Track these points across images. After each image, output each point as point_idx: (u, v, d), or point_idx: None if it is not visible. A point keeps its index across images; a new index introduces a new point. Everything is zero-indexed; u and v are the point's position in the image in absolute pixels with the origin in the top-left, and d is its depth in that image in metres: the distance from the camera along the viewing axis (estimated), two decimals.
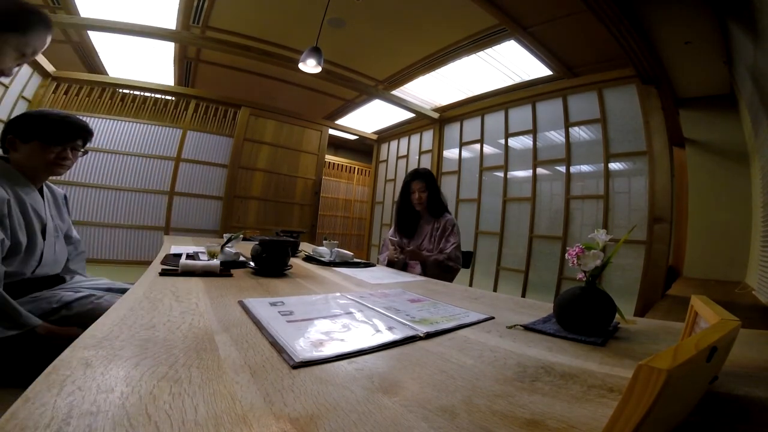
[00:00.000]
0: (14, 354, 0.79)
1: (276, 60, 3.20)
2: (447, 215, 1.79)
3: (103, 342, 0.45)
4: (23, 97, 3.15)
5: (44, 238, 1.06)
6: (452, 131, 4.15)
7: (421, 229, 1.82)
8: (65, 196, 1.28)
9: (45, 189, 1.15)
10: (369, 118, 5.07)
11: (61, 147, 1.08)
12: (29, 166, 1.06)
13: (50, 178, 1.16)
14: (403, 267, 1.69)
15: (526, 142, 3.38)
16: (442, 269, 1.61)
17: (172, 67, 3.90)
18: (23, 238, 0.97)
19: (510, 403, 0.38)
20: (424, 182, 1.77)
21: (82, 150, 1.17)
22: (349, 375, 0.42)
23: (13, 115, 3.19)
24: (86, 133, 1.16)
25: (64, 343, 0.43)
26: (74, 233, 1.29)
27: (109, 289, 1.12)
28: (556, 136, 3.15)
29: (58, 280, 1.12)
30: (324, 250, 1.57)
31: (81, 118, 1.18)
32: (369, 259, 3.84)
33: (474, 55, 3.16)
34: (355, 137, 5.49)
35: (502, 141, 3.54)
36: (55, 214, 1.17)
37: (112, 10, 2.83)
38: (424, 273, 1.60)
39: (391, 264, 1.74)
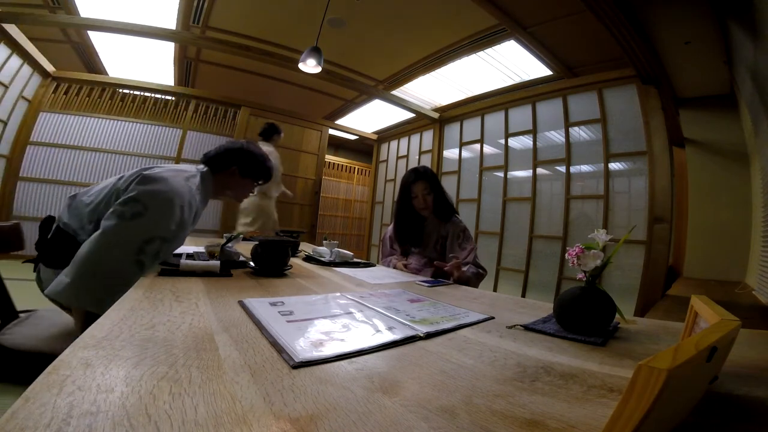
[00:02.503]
0: None
1: (276, 60, 3.20)
2: (455, 218, 1.59)
3: (103, 342, 0.45)
4: (23, 97, 3.16)
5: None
6: (452, 131, 4.15)
7: (428, 237, 1.60)
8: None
9: None
10: (369, 118, 5.07)
11: (258, 185, 1.33)
12: (232, 193, 1.29)
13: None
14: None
15: (526, 142, 3.38)
16: (479, 279, 1.45)
17: (172, 67, 3.90)
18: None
19: (510, 403, 0.38)
20: (427, 183, 1.54)
21: None
22: (349, 375, 0.42)
23: (14, 115, 3.21)
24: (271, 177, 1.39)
25: None
26: None
27: None
28: (556, 136, 3.15)
29: None
30: (324, 250, 1.56)
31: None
32: (369, 259, 3.84)
33: (474, 55, 3.17)
34: (355, 137, 5.50)
35: (502, 141, 3.54)
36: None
37: (112, 10, 2.84)
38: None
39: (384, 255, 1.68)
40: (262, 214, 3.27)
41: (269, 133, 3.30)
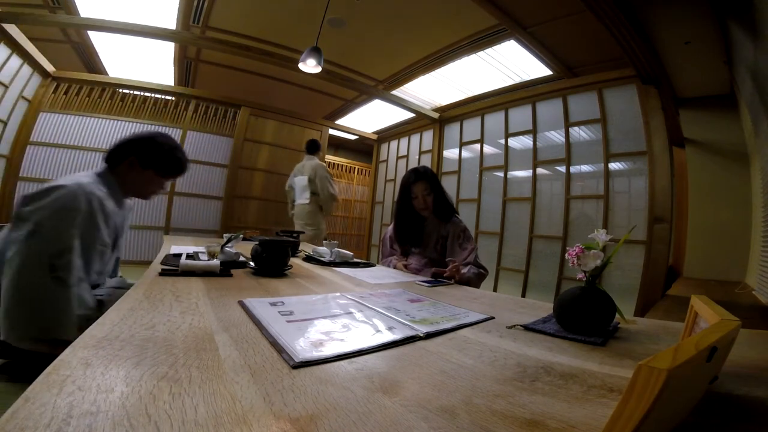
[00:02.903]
0: None
1: (276, 60, 3.20)
2: (455, 219, 1.59)
3: (103, 342, 0.45)
4: (23, 97, 3.16)
5: (115, 250, 1.13)
6: (452, 131, 4.15)
7: (428, 237, 1.60)
8: (131, 208, 1.32)
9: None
10: (369, 118, 5.07)
11: (168, 182, 1.20)
12: (136, 189, 1.15)
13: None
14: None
15: (526, 142, 3.38)
16: (481, 279, 1.45)
17: (172, 67, 3.90)
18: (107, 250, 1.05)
19: (510, 403, 0.38)
20: (427, 183, 1.54)
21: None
22: (349, 375, 0.42)
23: (14, 115, 3.21)
24: (186, 170, 1.25)
25: None
26: None
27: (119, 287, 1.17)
28: (556, 136, 3.15)
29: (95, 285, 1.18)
30: (324, 250, 1.57)
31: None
32: (369, 259, 3.84)
33: (474, 55, 3.17)
34: (355, 137, 5.49)
35: (502, 141, 3.54)
36: (123, 228, 1.23)
37: (112, 10, 2.83)
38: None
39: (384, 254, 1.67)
40: (313, 221, 3.39)
41: (314, 148, 3.46)
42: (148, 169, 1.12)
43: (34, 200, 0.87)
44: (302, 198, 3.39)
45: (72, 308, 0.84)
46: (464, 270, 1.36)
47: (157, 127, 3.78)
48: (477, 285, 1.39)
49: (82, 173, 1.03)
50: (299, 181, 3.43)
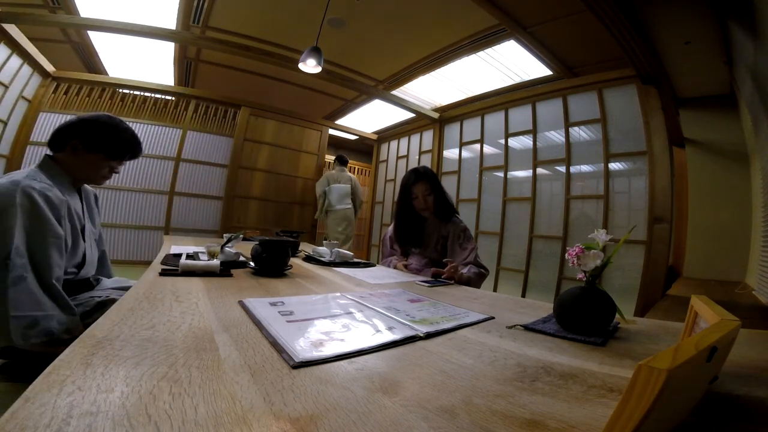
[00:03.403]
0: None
1: (276, 60, 3.20)
2: (455, 219, 1.59)
3: (103, 342, 0.45)
4: (23, 97, 3.15)
5: (84, 240, 1.07)
6: (452, 131, 4.15)
7: (429, 237, 1.60)
8: (96, 195, 1.27)
9: (82, 190, 1.16)
10: (369, 118, 5.07)
11: (118, 163, 1.11)
12: (83, 173, 1.07)
13: None
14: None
15: (526, 142, 3.38)
16: (481, 279, 1.45)
17: (172, 67, 3.90)
18: (69, 240, 0.98)
19: (510, 403, 0.38)
20: (428, 184, 1.54)
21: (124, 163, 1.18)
22: (349, 375, 0.42)
23: (14, 115, 3.21)
24: (139, 150, 1.17)
25: None
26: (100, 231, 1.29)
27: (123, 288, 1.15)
28: (556, 136, 3.15)
29: (88, 284, 1.13)
30: (324, 250, 1.57)
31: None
32: (369, 259, 3.84)
33: (474, 55, 3.17)
34: (355, 137, 5.49)
35: (502, 141, 3.53)
36: (89, 215, 1.18)
37: (112, 10, 2.84)
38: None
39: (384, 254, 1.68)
40: (351, 223, 4.08)
41: (346, 161, 4.22)
42: (95, 152, 1.04)
43: None
44: (343, 204, 4.03)
45: (6, 309, 0.78)
46: (464, 270, 1.36)
47: (157, 127, 3.78)
48: (477, 285, 1.39)
49: (19, 171, 0.97)
50: (339, 189, 4.04)
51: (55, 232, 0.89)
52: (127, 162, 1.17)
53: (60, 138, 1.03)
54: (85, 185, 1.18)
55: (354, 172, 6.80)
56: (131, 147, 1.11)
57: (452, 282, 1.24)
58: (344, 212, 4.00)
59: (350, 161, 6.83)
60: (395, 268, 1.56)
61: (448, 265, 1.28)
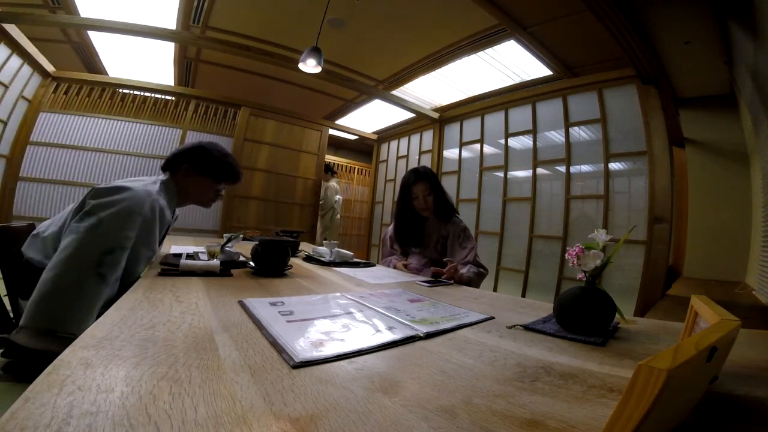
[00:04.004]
0: None
1: (276, 60, 3.20)
2: (455, 218, 1.60)
3: (103, 342, 0.45)
4: (23, 97, 3.15)
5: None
6: (452, 131, 4.15)
7: (429, 237, 1.61)
8: (176, 216, 1.34)
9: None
10: (369, 118, 5.07)
11: (223, 189, 1.25)
12: (194, 196, 1.20)
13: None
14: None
15: (526, 142, 3.38)
16: (481, 278, 1.45)
17: (172, 67, 3.90)
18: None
19: (510, 403, 0.38)
20: (428, 183, 1.55)
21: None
22: (349, 375, 0.42)
23: (14, 115, 3.20)
24: (240, 175, 1.32)
25: None
26: None
27: None
28: (556, 136, 3.15)
29: None
30: (324, 250, 1.57)
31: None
32: (369, 259, 3.84)
33: (474, 55, 3.16)
34: (355, 137, 5.49)
35: (502, 141, 3.53)
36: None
37: (112, 10, 2.84)
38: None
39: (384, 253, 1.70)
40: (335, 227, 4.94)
41: (333, 170, 4.93)
42: (203, 175, 1.18)
43: (103, 196, 0.91)
44: (339, 212, 4.94)
45: (97, 305, 0.84)
46: (463, 270, 1.36)
47: (157, 127, 3.78)
48: (477, 284, 1.39)
49: (148, 179, 1.07)
50: (339, 199, 4.90)
51: (153, 248, 1.00)
52: (225, 186, 1.29)
53: (174, 162, 1.16)
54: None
55: (354, 172, 6.81)
56: (234, 171, 1.26)
57: (452, 282, 1.24)
58: (339, 220, 4.94)
59: (350, 161, 6.91)
60: (395, 267, 1.56)
61: (448, 264, 1.28)
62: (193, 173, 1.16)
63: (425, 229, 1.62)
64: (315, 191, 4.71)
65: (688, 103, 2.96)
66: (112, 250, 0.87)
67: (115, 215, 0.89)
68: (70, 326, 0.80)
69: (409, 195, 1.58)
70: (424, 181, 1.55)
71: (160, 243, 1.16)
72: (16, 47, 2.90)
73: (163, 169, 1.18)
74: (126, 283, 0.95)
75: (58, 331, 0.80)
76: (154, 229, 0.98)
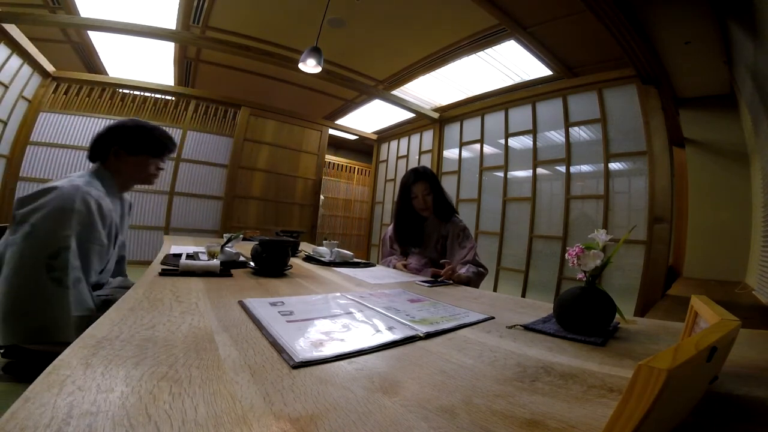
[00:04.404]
0: None
1: (276, 60, 3.20)
2: (455, 218, 1.60)
3: (103, 342, 0.45)
4: (23, 97, 3.16)
5: (114, 247, 1.11)
6: (452, 131, 4.15)
7: (428, 237, 1.61)
8: (131, 204, 1.31)
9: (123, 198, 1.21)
10: (369, 118, 5.07)
11: (162, 161, 1.19)
12: (132, 177, 1.14)
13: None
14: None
15: (526, 142, 3.38)
16: (480, 278, 1.44)
17: (172, 67, 3.90)
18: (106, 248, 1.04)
19: (510, 403, 0.38)
20: (427, 183, 1.55)
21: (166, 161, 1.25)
22: (349, 375, 0.42)
23: (14, 115, 3.20)
24: (174, 145, 1.25)
25: None
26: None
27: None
28: (556, 136, 3.15)
29: (99, 285, 1.16)
30: (324, 250, 1.56)
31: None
32: (369, 259, 3.84)
33: (474, 55, 3.17)
34: (355, 137, 5.50)
35: (502, 141, 3.54)
36: (121, 224, 1.22)
37: (112, 10, 2.83)
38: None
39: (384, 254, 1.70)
40: None
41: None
42: (138, 154, 1.12)
43: (29, 202, 0.88)
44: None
45: (69, 309, 0.83)
46: (463, 270, 1.36)
47: None
48: (477, 284, 1.39)
49: (76, 174, 1.03)
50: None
51: (101, 241, 0.96)
52: (167, 159, 1.24)
53: (101, 148, 1.09)
54: (124, 195, 1.23)
55: (354, 172, 6.82)
56: (168, 142, 1.19)
57: (452, 282, 1.24)
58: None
59: (350, 161, 6.91)
60: (395, 267, 1.56)
61: (446, 266, 1.28)
62: (125, 154, 1.09)
63: (425, 229, 1.63)
64: (315, 191, 4.71)
65: (688, 103, 2.96)
66: (56, 253, 0.84)
67: (46, 217, 0.85)
68: (54, 335, 0.81)
69: (409, 195, 1.58)
70: (423, 180, 1.55)
71: (116, 235, 1.11)
72: (16, 47, 2.90)
73: (91, 159, 1.11)
74: (92, 281, 0.95)
75: (38, 339, 0.81)
76: (93, 223, 0.93)
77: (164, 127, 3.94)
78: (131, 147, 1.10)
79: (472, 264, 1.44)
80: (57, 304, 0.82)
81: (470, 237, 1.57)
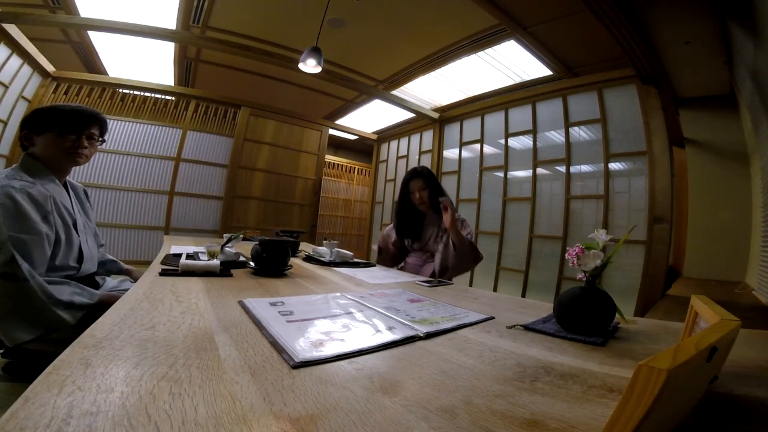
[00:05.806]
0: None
1: (276, 60, 3.20)
2: None
3: (103, 342, 0.45)
4: (23, 97, 3.15)
5: (77, 234, 1.08)
6: (452, 131, 4.15)
7: (426, 230, 1.72)
8: (85, 191, 1.28)
9: (68, 184, 1.16)
10: (369, 118, 5.07)
11: (75, 135, 1.10)
12: (48, 156, 1.08)
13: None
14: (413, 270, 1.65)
15: (526, 142, 3.38)
16: (473, 250, 1.53)
17: (172, 67, 3.90)
18: (62, 234, 1.00)
19: (510, 403, 0.38)
20: (422, 180, 1.68)
21: (101, 139, 1.17)
22: (349, 375, 0.42)
23: (14, 115, 3.20)
24: (100, 121, 1.16)
25: None
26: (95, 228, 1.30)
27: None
28: (556, 136, 3.15)
29: (94, 283, 1.13)
30: (324, 250, 1.57)
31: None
32: (369, 259, 3.84)
33: (474, 55, 3.16)
34: (355, 137, 5.49)
35: (502, 141, 3.53)
36: (80, 209, 1.18)
37: (112, 10, 2.83)
38: (445, 266, 1.50)
39: (380, 251, 1.80)
40: None
41: None
42: (43, 133, 1.06)
43: None
44: None
45: (36, 300, 0.81)
46: (464, 232, 1.53)
47: (157, 127, 3.79)
48: (469, 257, 1.50)
49: (3, 172, 1.00)
50: None
51: (35, 230, 0.91)
52: (99, 136, 1.16)
53: (21, 137, 1.07)
54: (71, 181, 1.19)
55: (354, 172, 6.82)
56: (74, 116, 1.10)
57: (452, 282, 1.25)
58: None
59: (350, 161, 6.92)
60: (378, 246, 1.75)
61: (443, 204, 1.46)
62: (33, 136, 1.07)
63: (424, 225, 1.73)
64: (315, 191, 4.71)
65: (688, 103, 2.96)
66: None
67: None
68: (37, 329, 0.80)
69: (407, 191, 1.72)
70: (419, 177, 1.69)
71: (74, 222, 1.08)
72: (16, 47, 2.90)
73: (23, 150, 1.09)
74: (52, 268, 0.93)
75: (39, 337, 0.80)
76: (24, 213, 0.90)
77: (164, 127, 3.90)
78: (35, 128, 1.07)
79: (471, 239, 1.56)
80: (18, 300, 0.80)
81: (468, 226, 1.67)
